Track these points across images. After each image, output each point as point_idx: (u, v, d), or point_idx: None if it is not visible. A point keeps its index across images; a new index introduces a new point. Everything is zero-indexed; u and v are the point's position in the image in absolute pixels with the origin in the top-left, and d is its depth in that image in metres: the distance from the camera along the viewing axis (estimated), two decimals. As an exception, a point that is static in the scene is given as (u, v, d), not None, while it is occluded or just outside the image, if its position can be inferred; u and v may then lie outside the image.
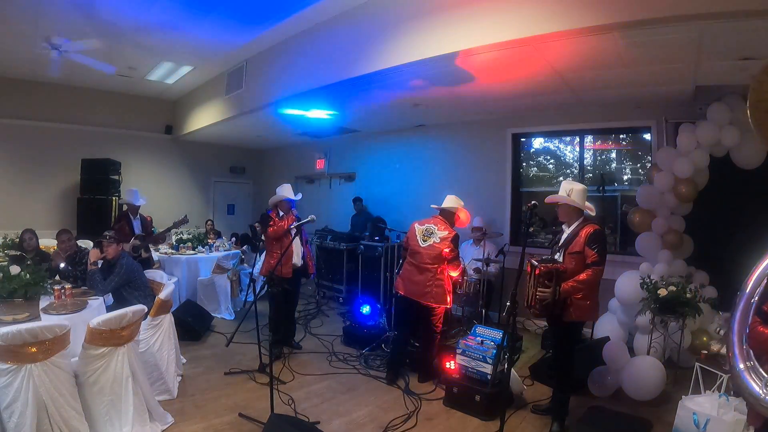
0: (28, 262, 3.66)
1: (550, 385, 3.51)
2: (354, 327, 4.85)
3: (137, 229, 5.10)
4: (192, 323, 4.70)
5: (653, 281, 3.84)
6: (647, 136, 5.25)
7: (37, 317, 2.72)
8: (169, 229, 5.36)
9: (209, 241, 6.58)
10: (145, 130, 8.63)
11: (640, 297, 3.89)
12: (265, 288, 3.47)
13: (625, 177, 5.66)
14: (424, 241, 3.78)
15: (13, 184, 7.19)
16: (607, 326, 4.51)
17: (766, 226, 3.68)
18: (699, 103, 4.47)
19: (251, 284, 3.80)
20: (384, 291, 5.81)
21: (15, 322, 2.51)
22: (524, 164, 6.38)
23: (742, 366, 1.39)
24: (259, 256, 5.84)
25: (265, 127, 7.68)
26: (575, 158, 6.00)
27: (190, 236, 6.37)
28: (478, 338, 3.55)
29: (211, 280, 5.66)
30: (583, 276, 2.82)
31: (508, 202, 6.11)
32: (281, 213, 4.33)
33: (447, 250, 3.69)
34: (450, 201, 3.88)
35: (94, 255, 3.72)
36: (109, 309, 3.20)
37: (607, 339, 4.10)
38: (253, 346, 4.07)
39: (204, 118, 7.55)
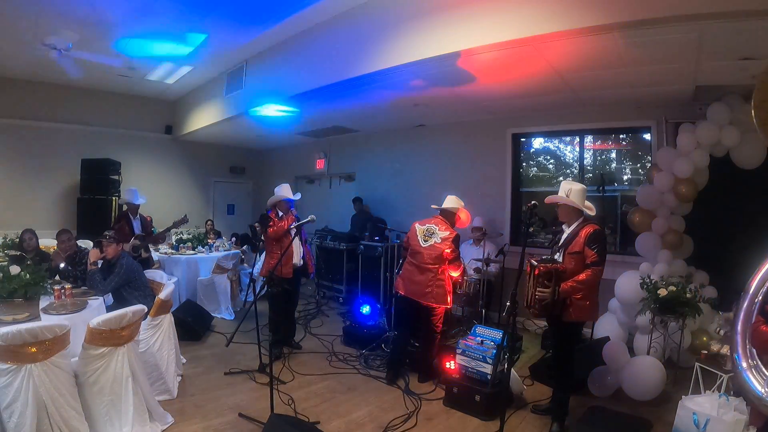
0: (28, 262, 3.66)
1: (550, 385, 3.51)
2: (354, 327, 4.85)
3: (137, 229, 5.11)
4: (192, 323, 4.70)
5: (653, 281, 3.84)
6: (647, 136, 5.25)
7: (37, 317, 2.72)
8: (168, 229, 5.36)
9: (209, 241, 6.58)
10: (145, 130, 8.63)
11: (640, 297, 3.89)
12: (265, 288, 3.47)
13: (625, 177, 5.67)
14: (425, 241, 3.78)
15: (13, 184, 7.19)
16: (607, 326, 4.52)
17: (766, 226, 3.69)
18: (699, 103, 4.47)
19: (251, 284, 3.80)
20: (384, 291, 5.81)
21: (15, 322, 2.51)
22: (524, 164, 6.38)
23: (744, 365, 1.40)
24: (259, 257, 5.84)
25: (265, 127, 7.68)
26: (575, 158, 6.00)
27: (190, 236, 6.37)
28: (478, 338, 3.55)
29: (211, 280, 5.66)
30: (582, 276, 2.82)
31: (508, 202, 6.11)
32: (280, 213, 4.31)
33: (448, 250, 3.69)
34: (450, 201, 3.88)
35: (94, 255, 3.72)
36: (109, 309, 3.20)
37: (607, 339, 4.10)
38: (253, 346, 4.07)
39: (204, 118, 7.55)
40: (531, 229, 5.67)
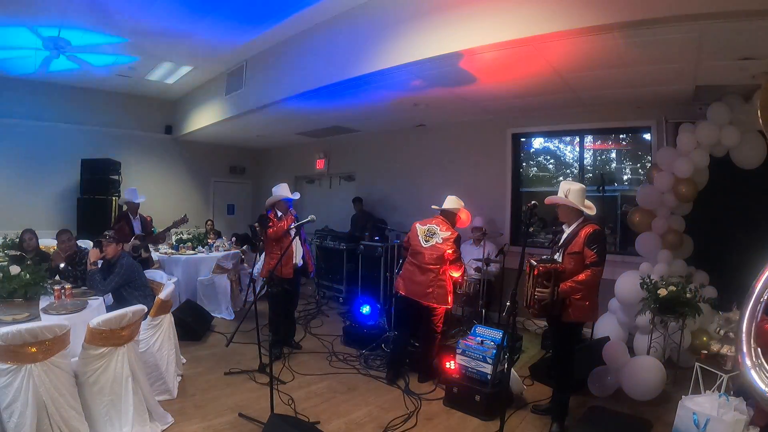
0: (28, 262, 3.66)
1: (550, 385, 3.51)
2: (354, 327, 4.85)
3: (137, 229, 5.11)
4: (192, 323, 4.70)
5: (653, 281, 3.84)
6: (647, 136, 5.25)
7: (37, 317, 2.72)
8: (168, 229, 5.36)
9: (209, 241, 6.57)
10: (145, 130, 8.63)
11: (640, 297, 3.89)
12: (265, 288, 3.46)
13: (625, 177, 5.66)
14: (427, 241, 3.78)
15: (13, 184, 7.19)
16: (607, 326, 4.51)
17: (766, 226, 3.70)
18: (699, 103, 4.47)
19: (251, 284, 3.80)
20: (384, 291, 5.81)
21: (15, 322, 2.51)
22: (524, 164, 6.38)
23: (749, 363, 1.41)
24: (259, 257, 5.84)
25: (265, 127, 7.69)
26: (575, 158, 6.00)
27: (190, 236, 6.37)
28: (478, 338, 3.54)
29: (211, 280, 5.66)
30: (581, 276, 2.81)
31: (508, 202, 6.11)
32: (279, 213, 4.29)
33: (450, 251, 3.68)
34: (451, 202, 3.88)
35: (93, 255, 3.71)
36: (109, 309, 3.20)
37: (607, 339, 4.10)
38: (253, 346, 4.07)
39: (204, 118, 7.55)
40: (531, 229, 5.67)
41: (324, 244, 7.23)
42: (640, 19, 2.85)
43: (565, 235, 3.00)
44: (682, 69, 3.81)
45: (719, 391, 2.66)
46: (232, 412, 3.10)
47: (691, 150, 4.21)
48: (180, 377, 3.57)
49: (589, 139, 5.80)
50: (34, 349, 2.17)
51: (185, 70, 6.83)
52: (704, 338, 3.95)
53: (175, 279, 4.29)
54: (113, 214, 7.09)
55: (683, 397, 2.72)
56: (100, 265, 3.74)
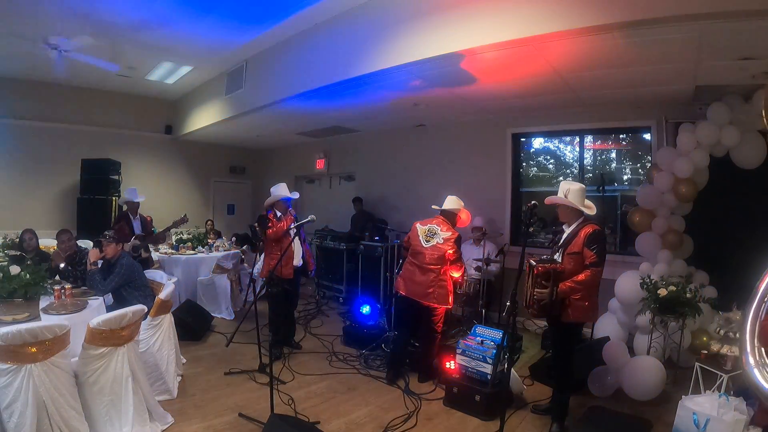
0: (28, 262, 3.66)
1: (550, 385, 3.51)
2: (354, 327, 4.85)
3: (137, 229, 5.11)
4: (192, 323, 4.70)
5: (653, 281, 3.84)
6: (647, 136, 5.25)
7: (37, 317, 2.72)
8: (168, 229, 5.36)
9: (209, 241, 6.58)
10: (145, 130, 8.63)
11: (640, 297, 3.89)
12: (265, 289, 3.46)
13: (625, 177, 5.67)
14: (427, 241, 3.78)
15: (13, 184, 7.19)
16: (607, 326, 4.51)
17: (766, 226, 3.70)
18: (699, 103, 4.47)
19: (251, 284, 3.80)
20: (384, 291, 5.81)
21: (15, 322, 2.51)
22: (524, 164, 6.38)
23: (752, 362, 1.41)
24: (259, 257, 5.84)
25: (265, 127, 7.69)
26: (575, 158, 6.00)
27: (190, 236, 6.37)
28: (478, 338, 3.54)
29: (211, 280, 5.66)
30: (581, 276, 2.81)
31: (508, 202, 6.11)
32: (279, 214, 4.26)
33: (451, 251, 3.68)
34: (451, 202, 3.88)
35: (93, 255, 3.71)
36: (109, 309, 3.20)
37: (607, 339, 4.10)
38: (253, 346, 4.07)
39: (204, 118, 7.55)
40: (531, 229, 5.67)
41: (324, 244, 7.23)
42: (640, 19, 2.85)
43: (565, 235, 3.00)
44: (682, 69, 3.82)
45: (719, 391, 2.66)
46: (232, 412, 3.10)
47: (691, 150, 4.21)
48: (180, 377, 3.57)
49: (589, 139, 5.80)
50: (34, 349, 2.17)
51: (185, 70, 6.83)
52: (704, 338, 3.96)
53: (175, 279, 4.29)
54: (113, 214, 7.09)
55: (683, 397, 2.72)
56: (100, 265, 3.73)
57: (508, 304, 2.61)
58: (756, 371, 1.41)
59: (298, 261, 4.32)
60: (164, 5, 4.58)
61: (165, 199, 8.41)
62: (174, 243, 6.22)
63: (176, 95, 8.38)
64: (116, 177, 7.57)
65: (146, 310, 2.95)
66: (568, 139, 6.06)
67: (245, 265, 6.50)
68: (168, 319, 3.42)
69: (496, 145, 6.24)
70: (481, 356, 3.35)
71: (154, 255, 5.58)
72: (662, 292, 3.65)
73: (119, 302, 3.48)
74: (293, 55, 5.36)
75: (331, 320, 5.78)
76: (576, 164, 5.95)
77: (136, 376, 2.67)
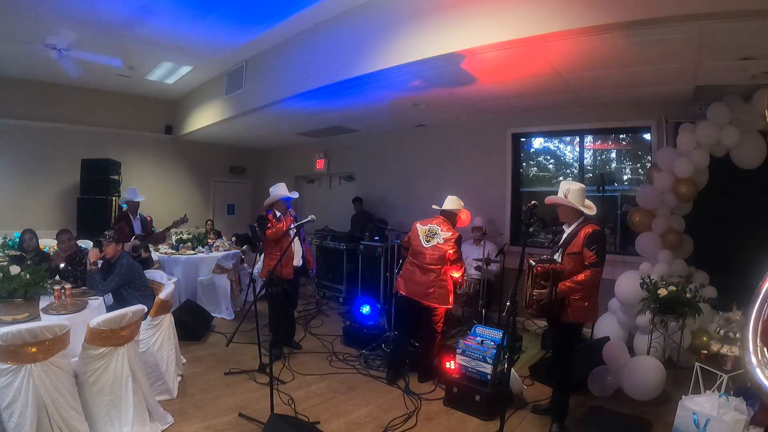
0: (28, 262, 3.66)
1: (550, 385, 3.51)
2: (354, 327, 4.85)
3: (137, 229, 5.11)
4: (192, 323, 4.70)
5: (653, 281, 3.84)
6: (647, 136, 5.25)
7: (37, 317, 2.72)
8: (168, 229, 5.36)
9: (209, 241, 6.58)
10: (145, 130, 8.63)
11: (640, 297, 3.89)
12: (265, 289, 3.46)
13: (625, 177, 5.66)
14: (428, 241, 3.78)
15: (13, 184, 7.19)
16: (607, 326, 4.51)
17: (766, 226, 3.70)
18: (699, 103, 4.47)
19: (251, 284, 3.80)
20: (384, 291, 5.81)
21: (15, 322, 2.51)
22: (524, 164, 6.38)
23: (755, 362, 1.42)
24: (259, 257, 5.83)
25: (265, 127, 7.69)
26: (575, 158, 6.00)
27: (190, 236, 6.37)
28: (478, 338, 3.54)
29: (211, 280, 5.67)
30: (580, 277, 2.81)
31: (508, 202, 6.11)
32: (278, 214, 4.25)
33: (451, 251, 3.68)
34: (451, 202, 3.88)
35: (93, 255, 3.71)
36: (109, 309, 3.20)
37: (607, 339, 4.10)
38: (253, 346, 4.07)
39: (204, 118, 7.55)
40: (531, 229, 5.67)
41: (324, 244, 7.23)
42: (640, 19, 2.85)
43: (564, 235, 3.00)
44: (682, 69, 3.81)
45: (719, 391, 2.66)
46: (232, 412, 3.10)
47: (691, 150, 4.21)
48: (180, 377, 3.57)
49: (589, 139, 5.80)
50: (34, 349, 2.17)
51: (185, 70, 6.83)
52: (704, 338, 3.95)
53: (175, 279, 4.29)
54: (113, 214, 7.09)
55: (683, 397, 2.72)
56: (100, 265, 3.74)
57: (508, 304, 2.61)
58: (759, 371, 1.41)
59: (298, 261, 4.32)
60: (164, 5, 4.58)
61: (165, 199, 8.41)
62: (174, 243, 6.22)
63: (176, 95, 8.38)
64: (116, 177, 7.57)
65: (146, 310, 2.95)
66: (568, 139, 6.06)
67: (245, 265, 6.50)
68: (168, 319, 3.42)
69: (496, 145, 6.24)
70: (481, 356, 3.35)
71: (154, 255, 5.58)
72: (662, 292, 3.65)
73: (119, 302, 3.48)
74: (293, 55, 5.36)
75: (331, 320, 5.78)
76: (576, 164, 5.95)
77: (136, 376, 2.67)
